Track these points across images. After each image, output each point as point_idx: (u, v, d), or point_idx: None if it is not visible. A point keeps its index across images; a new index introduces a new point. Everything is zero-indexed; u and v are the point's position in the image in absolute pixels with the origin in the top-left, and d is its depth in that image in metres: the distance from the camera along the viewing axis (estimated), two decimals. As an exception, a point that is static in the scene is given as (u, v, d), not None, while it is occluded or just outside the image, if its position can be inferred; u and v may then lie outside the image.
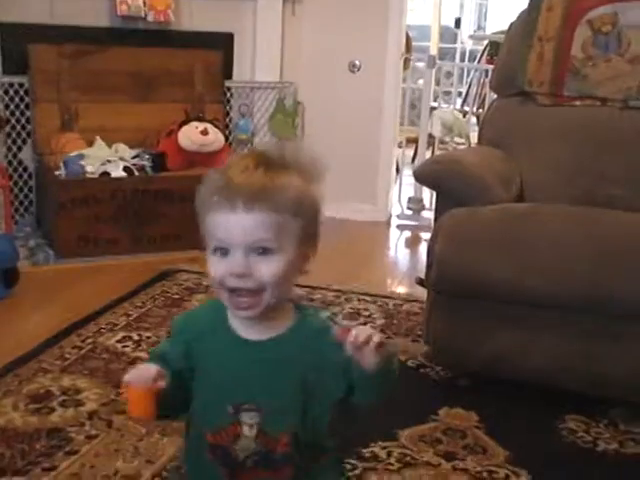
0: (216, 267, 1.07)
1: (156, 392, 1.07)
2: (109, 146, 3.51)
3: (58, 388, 2.18)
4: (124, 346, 2.47)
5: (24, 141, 3.57)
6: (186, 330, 1.17)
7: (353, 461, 1.84)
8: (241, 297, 1.06)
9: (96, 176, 3.31)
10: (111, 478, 1.76)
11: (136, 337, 2.54)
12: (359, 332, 1.03)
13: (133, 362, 2.35)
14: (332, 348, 1.06)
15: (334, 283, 3.10)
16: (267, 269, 1.05)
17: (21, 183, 3.57)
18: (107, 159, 3.36)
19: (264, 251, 1.05)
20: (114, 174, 3.32)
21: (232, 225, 1.04)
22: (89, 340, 2.50)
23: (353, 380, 1.10)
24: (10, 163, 3.54)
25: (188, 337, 1.15)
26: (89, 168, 3.32)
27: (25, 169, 3.59)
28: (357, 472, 1.81)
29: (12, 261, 2.91)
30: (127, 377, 1.08)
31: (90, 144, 3.49)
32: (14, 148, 3.56)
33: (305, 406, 1.11)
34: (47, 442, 1.90)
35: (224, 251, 1.06)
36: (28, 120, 3.54)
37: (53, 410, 2.05)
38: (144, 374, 1.08)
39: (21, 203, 3.58)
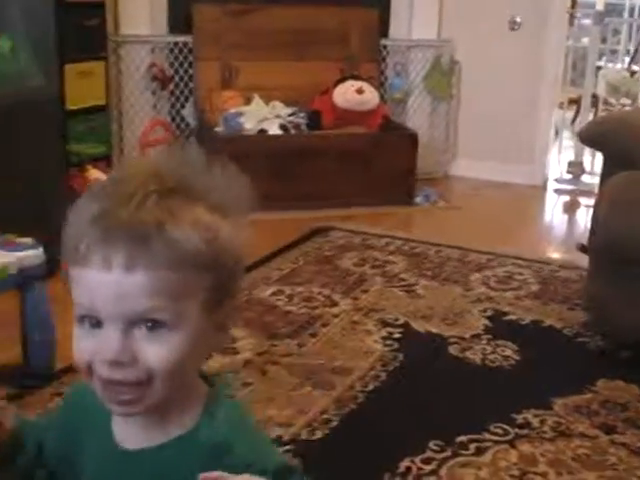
0: (82, 344, 0.74)
1: None
2: (266, 104, 3.58)
3: (215, 336, 2.26)
4: (277, 299, 2.53)
5: (186, 98, 3.71)
6: (73, 409, 0.87)
7: (505, 426, 1.81)
8: (119, 390, 0.73)
9: (253, 133, 3.39)
10: (265, 424, 1.81)
11: (289, 291, 2.59)
12: None
13: (286, 315, 2.41)
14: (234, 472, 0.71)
15: (487, 246, 3.03)
16: (158, 352, 0.72)
17: (183, 139, 3.72)
18: (264, 116, 3.43)
19: (154, 325, 0.72)
20: (271, 131, 3.39)
21: (104, 289, 0.71)
22: (244, 292, 2.58)
23: None
24: (173, 119, 3.69)
25: (71, 419, 0.87)
26: (247, 125, 3.41)
27: (187, 125, 3.72)
28: (509, 437, 1.78)
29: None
30: None
31: (248, 102, 3.58)
32: (177, 105, 3.70)
33: None
34: (205, 386, 1.98)
35: (96, 322, 0.73)
36: (191, 78, 3.67)
37: (210, 356, 2.14)
38: None
39: (182, 158, 3.72)
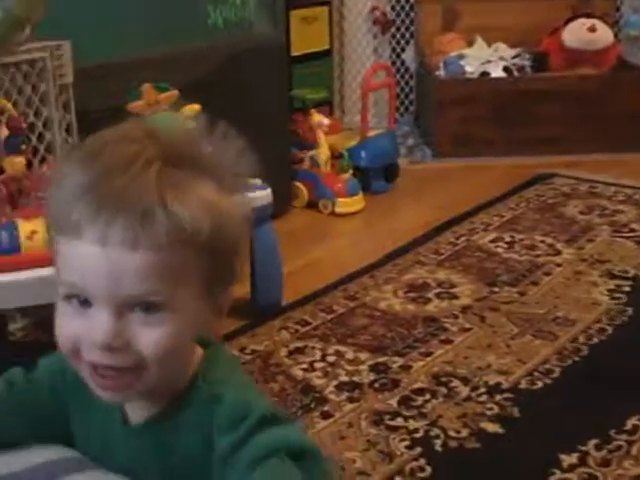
0: (68, 324, 0.68)
1: None
2: (489, 46, 3.47)
3: (433, 280, 2.26)
4: (497, 246, 2.47)
5: (407, 42, 3.68)
6: (59, 376, 0.79)
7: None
8: (109, 376, 0.68)
9: (475, 76, 3.30)
10: (484, 370, 1.79)
11: (508, 239, 2.52)
12: None
13: (506, 262, 2.35)
14: (222, 423, 0.70)
15: None
16: (152, 337, 0.66)
17: (402, 83, 3.70)
18: (487, 59, 3.33)
19: (149, 308, 0.66)
20: (493, 74, 3.29)
21: (97, 267, 0.64)
22: (463, 238, 2.54)
23: None
24: (393, 63, 3.67)
25: (61, 388, 0.79)
26: (468, 68, 3.32)
27: (407, 69, 3.70)
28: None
29: (393, 157, 3.05)
30: None
31: (470, 44, 3.48)
32: (398, 49, 3.68)
33: None
34: (423, 329, 1.99)
35: (84, 301, 0.67)
36: (412, 21, 3.62)
37: (429, 300, 2.14)
38: None
39: (402, 103, 3.71)
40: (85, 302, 0.66)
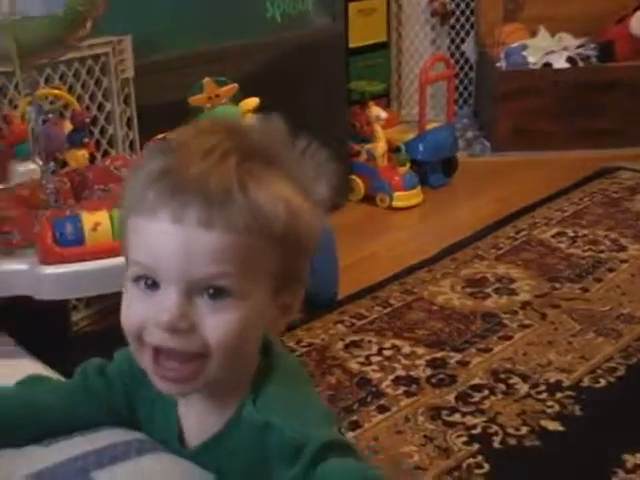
0: (134, 306, 0.67)
1: None
2: (552, 36, 3.40)
3: (492, 275, 2.23)
4: (559, 241, 2.42)
5: (467, 33, 3.62)
6: (129, 372, 0.77)
7: None
8: (170, 362, 0.66)
9: (538, 67, 3.24)
10: (544, 367, 1.76)
11: (571, 233, 2.47)
12: None
13: (568, 258, 2.30)
14: (279, 455, 0.66)
15: None
16: (219, 324, 0.65)
17: (461, 75, 3.64)
18: (550, 49, 3.26)
19: (217, 294, 0.65)
20: (556, 65, 3.21)
21: (170, 245, 0.64)
22: (523, 232, 2.50)
23: None
24: (452, 55, 3.62)
25: (130, 384, 0.78)
26: (531, 59, 3.26)
27: (466, 61, 3.64)
28: None
29: (451, 151, 3.01)
30: None
31: (533, 34, 3.42)
32: (457, 40, 3.63)
33: None
34: (482, 325, 1.96)
35: (152, 283, 0.66)
36: (472, 12, 3.57)
37: (488, 296, 2.11)
38: None
39: (460, 95, 3.66)
40: (153, 285, 0.66)
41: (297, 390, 0.72)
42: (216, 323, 0.64)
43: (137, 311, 0.66)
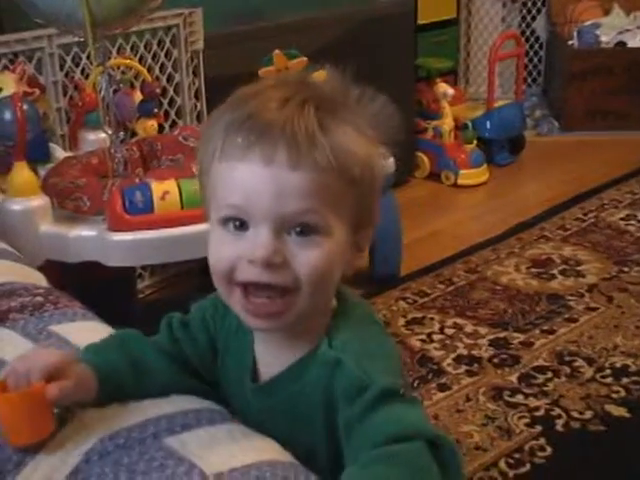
0: (224, 248, 0.70)
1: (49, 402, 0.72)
2: (627, 14, 3.29)
3: (558, 256, 2.18)
4: (627, 224, 2.37)
5: (538, 11, 3.54)
6: (210, 312, 0.81)
7: None
8: (261, 298, 0.69)
9: (611, 46, 3.15)
10: (609, 352, 1.72)
11: (641, 217, 2.41)
12: None
13: (636, 241, 2.24)
14: (343, 392, 0.69)
15: None
16: (308, 258, 0.68)
17: (531, 53, 3.57)
18: (624, 28, 3.16)
19: (304, 230, 0.68)
20: (631, 44, 3.12)
21: (262, 185, 0.67)
22: (591, 214, 2.45)
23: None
24: (523, 33, 3.54)
25: (212, 326, 0.81)
26: (604, 38, 3.17)
27: (537, 39, 3.56)
28: None
29: (519, 129, 2.96)
30: (4, 371, 0.75)
31: (606, 12, 3.31)
32: (528, 17, 3.55)
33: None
34: (547, 306, 1.93)
35: (240, 225, 0.69)
36: (545, -12, 3.48)
37: (553, 277, 2.07)
38: (35, 367, 0.72)
39: (530, 73, 3.58)
40: (242, 226, 0.69)
41: (372, 338, 0.74)
42: (306, 258, 0.68)
43: (228, 251, 0.69)
